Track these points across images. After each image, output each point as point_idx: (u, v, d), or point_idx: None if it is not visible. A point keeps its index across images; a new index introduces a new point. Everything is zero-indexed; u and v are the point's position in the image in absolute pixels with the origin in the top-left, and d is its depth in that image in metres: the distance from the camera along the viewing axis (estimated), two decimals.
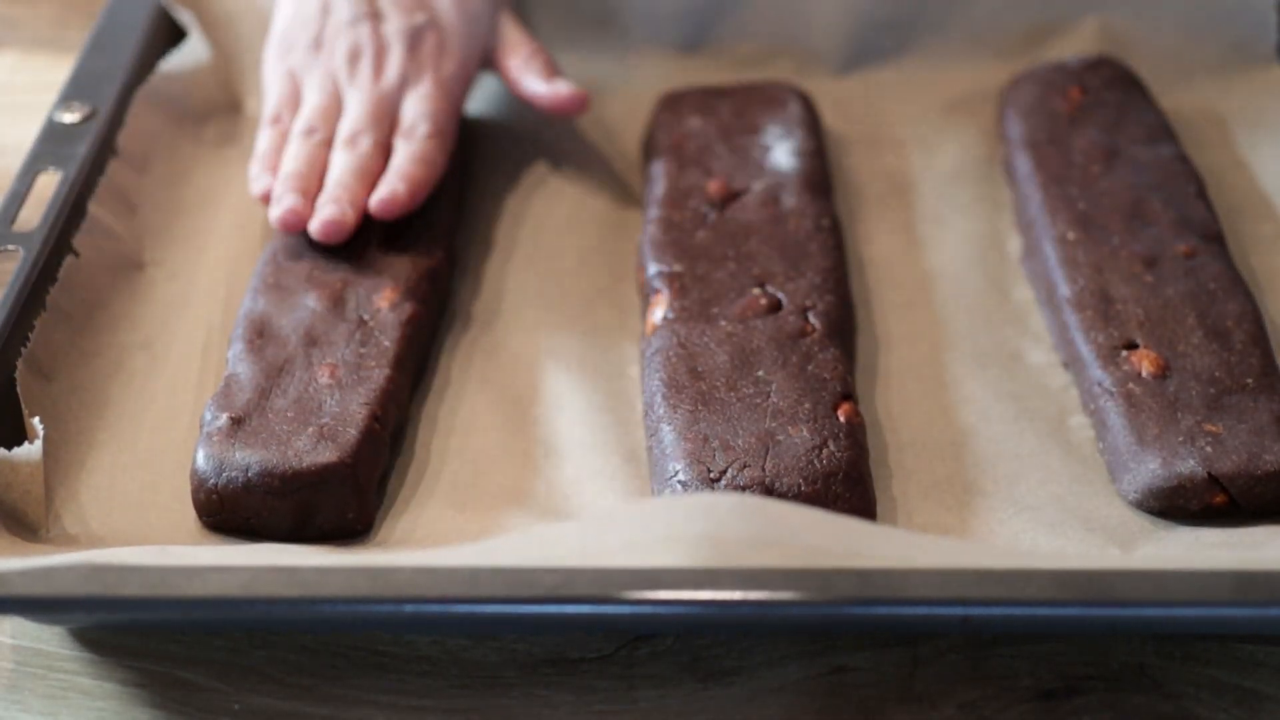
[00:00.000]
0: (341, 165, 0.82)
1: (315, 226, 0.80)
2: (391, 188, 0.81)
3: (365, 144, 0.83)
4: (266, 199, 0.82)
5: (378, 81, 0.85)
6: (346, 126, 0.84)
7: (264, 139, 0.85)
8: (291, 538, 0.70)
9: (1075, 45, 0.97)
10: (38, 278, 0.77)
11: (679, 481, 0.69)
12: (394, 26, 0.87)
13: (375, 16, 0.87)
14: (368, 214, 0.82)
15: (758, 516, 0.61)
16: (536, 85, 0.88)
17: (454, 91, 0.87)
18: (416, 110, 0.84)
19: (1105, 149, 0.86)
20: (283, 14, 0.89)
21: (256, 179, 0.83)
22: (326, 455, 0.70)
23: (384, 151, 0.83)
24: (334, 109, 0.85)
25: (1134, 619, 0.64)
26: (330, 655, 0.67)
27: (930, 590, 0.59)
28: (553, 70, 0.88)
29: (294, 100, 0.86)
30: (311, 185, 0.82)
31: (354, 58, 0.86)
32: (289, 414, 0.72)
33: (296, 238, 0.81)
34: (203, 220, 0.88)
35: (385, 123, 0.84)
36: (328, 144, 0.83)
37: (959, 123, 0.95)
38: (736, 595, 0.59)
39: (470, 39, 0.88)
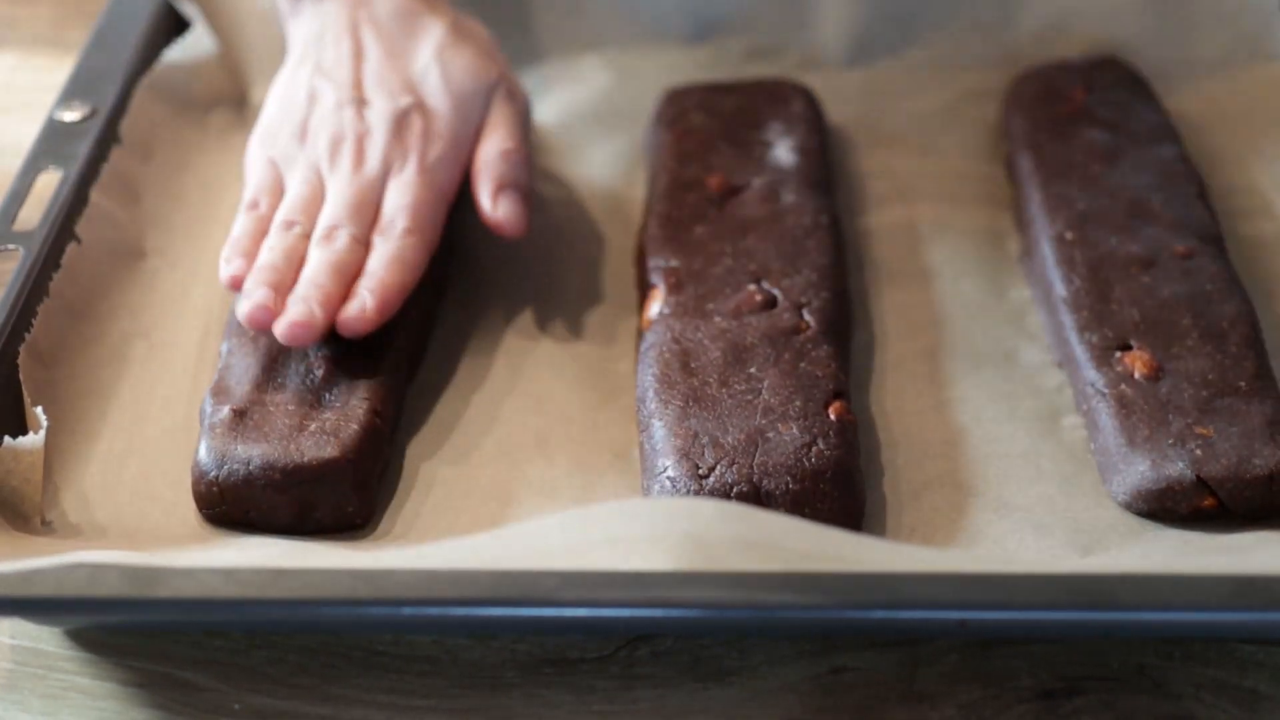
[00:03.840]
0: (316, 262, 0.76)
1: (281, 327, 0.73)
2: (361, 303, 0.75)
3: (342, 239, 0.77)
4: (235, 285, 0.76)
5: (358, 170, 0.79)
6: (324, 220, 0.78)
7: (239, 224, 0.79)
8: (291, 531, 0.70)
9: (1080, 44, 0.97)
10: (38, 276, 0.77)
11: (668, 478, 0.69)
12: (378, 111, 0.81)
13: (361, 102, 0.82)
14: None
15: (741, 520, 0.61)
16: (482, 198, 0.81)
17: (439, 178, 0.80)
18: (397, 202, 0.78)
19: (1107, 149, 0.86)
20: (270, 103, 0.84)
21: (226, 263, 0.77)
22: (328, 450, 0.70)
23: (363, 245, 0.77)
24: (315, 200, 0.79)
25: (1131, 623, 0.64)
26: (330, 655, 0.67)
27: (929, 594, 0.59)
28: (508, 180, 0.82)
29: (274, 187, 0.80)
30: (286, 279, 0.75)
31: (335, 146, 0.80)
32: (290, 408, 0.72)
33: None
34: (205, 209, 0.88)
35: (365, 214, 0.78)
36: (307, 237, 0.77)
37: (962, 120, 0.95)
38: (737, 599, 0.59)
39: (461, 122, 0.82)
